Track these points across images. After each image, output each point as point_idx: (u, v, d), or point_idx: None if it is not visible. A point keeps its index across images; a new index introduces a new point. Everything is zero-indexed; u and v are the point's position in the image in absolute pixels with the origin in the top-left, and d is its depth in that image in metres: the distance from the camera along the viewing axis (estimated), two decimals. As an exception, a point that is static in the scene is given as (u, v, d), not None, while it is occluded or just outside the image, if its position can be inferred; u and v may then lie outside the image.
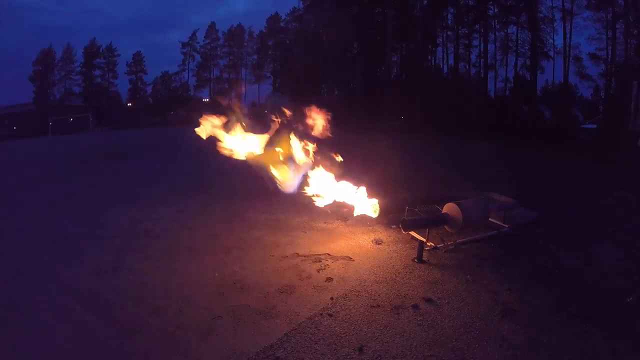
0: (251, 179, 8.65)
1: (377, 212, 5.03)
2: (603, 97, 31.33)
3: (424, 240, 4.65)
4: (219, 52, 58.41)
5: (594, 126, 25.28)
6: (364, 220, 5.56)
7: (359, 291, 3.65)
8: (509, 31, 36.95)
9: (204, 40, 58.08)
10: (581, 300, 3.52)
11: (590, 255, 4.55)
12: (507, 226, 5.18)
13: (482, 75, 38.30)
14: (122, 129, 38.52)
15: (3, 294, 3.67)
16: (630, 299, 3.38)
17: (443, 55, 41.47)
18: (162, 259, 4.39)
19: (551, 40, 35.17)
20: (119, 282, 3.84)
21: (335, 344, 2.86)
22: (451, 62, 40.68)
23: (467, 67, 40.11)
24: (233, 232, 5.37)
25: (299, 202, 6.47)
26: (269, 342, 2.84)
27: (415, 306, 3.39)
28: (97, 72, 56.74)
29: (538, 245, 4.75)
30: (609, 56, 29.89)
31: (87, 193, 7.77)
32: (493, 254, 4.56)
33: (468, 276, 3.96)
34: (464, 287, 3.76)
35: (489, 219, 5.09)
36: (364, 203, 5.14)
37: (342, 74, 41.78)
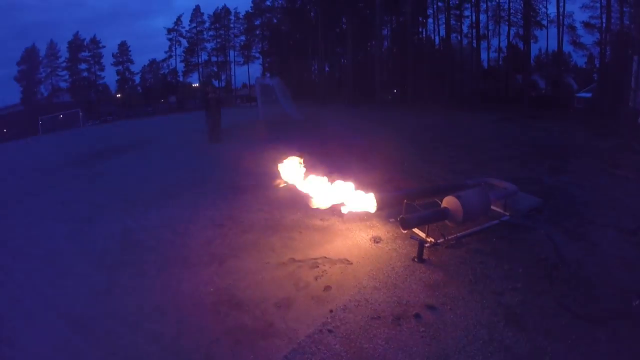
0: (243, 172, 8.59)
1: (375, 207, 4.90)
2: (598, 65, 30.87)
3: (424, 235, 4.54)
4: (205, 36, 57.26)
5: (589, 95, 25.02)
6: (359, 215, 5.40)
7: (358, 301, 3.56)
8: (501, 0, 36.23)
9: (189, 25, 56.92)
10: (585, 299, 3.44)
11: (593, 244, 4.46)
12: (508, 214, 5.07)
13: (475, 45, 37.69)
14: (112, 122, 38.10)
15: None
16: (637, 302, 3.28)
17: (434, 27, 40.73)
18: (156, 275, 4.25)
19: (544, 9, 34.51)
20: (115, 306, 3.71)
21: (336, 365, 2.77)
22: (442, 33, 40.01)
23: (459, 38, 39.50)
24: (227, 236, 5.22)
25: (293, 196, 6.35)
26: (268, 367, 2.75)
27: (417, 315, 3.30)
28: (83, 65, 55.69)
29: (540, 235, 4.64)
30: (604, 24, 29.40)
31: (76, 200, 7.55)
32: (495, 248, 4.47)
33: (470, 276, 3.87)
34: (466, 289, 3.67)
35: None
36: (361, 199, 5.00)
37: (332, 50, 41.17)
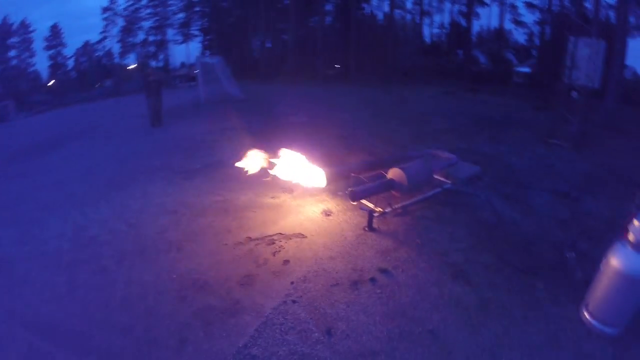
0: (189, 156, 8.48)
1: (324, 182, 5.13)
2: (537, 43, 32.46)
3: (372, 206, 4.81)
4: (142, 14, 54.30)
5: (528, 70, 26.27)
6: (309, 190, 5.64)
7: (316, 271, 3.79)
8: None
9: (126, 2, 53.63)
10: (524, 255, 3.86)
11: (529, 207, 4.94)
12: (449, 182, 5.46)
13: (418, 22, 38.53)
14: (45, 112, 35.56)
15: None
16: (569, 254, 3.73)
17: (379, 3, 41.09)
18: (116, 269, 4.20)
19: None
20: (79, 306, 3.63)
21: (305, 331, 3.01)
22: (386, 9, 40.41)
23: (403, 14, 40.15)
24: (180, 222, 5.23)
25: (241, 177, 6.43)
26: (242, 342, 2.93)
27: (372, 279, 3.59)
28: (13, 52, 51.35)
29: (480, 200, 5.06)
30: (546, 4, 30.89)
31: (18, 201, 7.06)
32: (439, 213, 4.85)
33: (418, 240, 4.22)
34: (414, 252, 4.01)
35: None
36: (310, 174, 5.21)
37: (274, 26, 40.46)
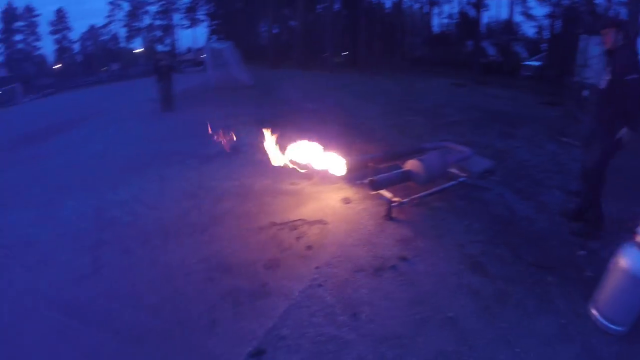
0: (203, 141, 8.55)
1: (344, 171, 5.24)
2: (547, 37, 32.18)
3: (390, 196, 4.90)
4: (148, -1, 53.97)
5: (537, 63, 26.08)
6: (327, 177, 5.73)
7: (340, 257, 3.89)
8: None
9: None
10: (537, 250, 3.98)
11: (542, 203, 5.04)
12: (464, 175, 5.54)
13: (426, 11, 38.23)
14: (53, 95, 35.48)
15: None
16: (582, 252, 3.83)
17: None
18: (141, 250, 4.30)
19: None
20: (106, 285, 3.71)
21: (331, 314, 3.11)
22: (395, -3, 40.06)
23: (411, 3, 39.87)
24: (201, 206, 5.34)
25: (257, 161, 6.51)
26: (271, 323, 3.03)
27: (393, 267, 3.70)
28: (19, 36, 51.23)
29: (494, 194, 5.15)
30: None
31: (33, 183, 7.15)
32: (454, 206, 4.95)
33: (435, 231, 4.33)
34: (433, 242, 4.12)
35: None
36: (330, 162, 5.32)
37: (281, 12, 40.22)
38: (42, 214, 5.57)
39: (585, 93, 8.65)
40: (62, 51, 53.50)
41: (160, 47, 52.58)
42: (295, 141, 5.63)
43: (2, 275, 4.06)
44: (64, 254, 4.38)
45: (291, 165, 5.59)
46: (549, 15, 32.30)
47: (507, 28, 35.95)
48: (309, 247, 4.09)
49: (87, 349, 2.93)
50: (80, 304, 3.46)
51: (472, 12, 36.39)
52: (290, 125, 8.37)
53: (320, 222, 4.63)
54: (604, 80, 3.92)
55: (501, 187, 5.43)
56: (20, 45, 51.29)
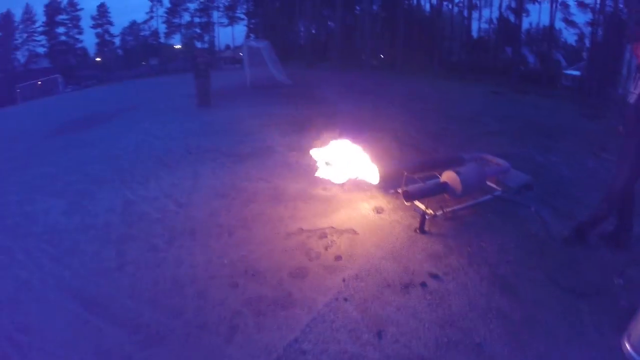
0: (238, 139, 8.59)
1: (377, 179, 5.12)
2: (588, 45, 31.06)
3: (424, 207, 4.76)
4: (188, -4, 55.27)
5: (577, 73, 25.22)
6: (360, 185, 5.61)
7: (368, 270, 3.78)
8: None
9: None
10: (571, 274, 3.75)
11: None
12: (500, 189, 5.33)
13: (466, 15, 37.52)
14: (93, 87, 36.69)
15: (10, 311, 3.41)
16: (617, 280, 3.59)
17: None
18: (167, 248, 4.30)
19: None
20: (129, 282, 3.71)
21: (355, 330, 3.00)
22: (434, 0, 39.53)
23: (450, 6, 39.19)
24: (231, 207, 5.32)
25: (292, 164, 6.44)
26: (293, 335, 2.95)
27: (422, 284, 3.56)
28: (61, 29, 53.36)
29: (530, 212, 4.91)
30: (597, 5, 29.47)
31: (68, 172, 7.31)
32: (489, 221, 4.75)
33: (468, 248, 4.15)
34: (465, 260, 3.94)
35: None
36: (365, 170, 5.22)
37: (320, 12, 40.31)
38: (73, 205, 5.70)
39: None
40: (103, 45, 55.33)
41: (199, 44, 53.72)
42: (333, 144, 5.55)
43: (27, 264, 4.14)
44: (91, 246, 4.44)
45: (333, 180, 5.50)
46: (591, 23, 31.09)
47: (548, 35, 34.75)
48: (338, 258, 3.99)
49: (103, 347, 2.92)
50: (102, 298, 3.48)
51: (512, 18, 35.42)
52: (325, 127, 8.30)
53: (350, 231, 4.52)
54: (633, 95, 3.69)
55: (538, 204, 5.17)
56: (62, 38, 53.26)
